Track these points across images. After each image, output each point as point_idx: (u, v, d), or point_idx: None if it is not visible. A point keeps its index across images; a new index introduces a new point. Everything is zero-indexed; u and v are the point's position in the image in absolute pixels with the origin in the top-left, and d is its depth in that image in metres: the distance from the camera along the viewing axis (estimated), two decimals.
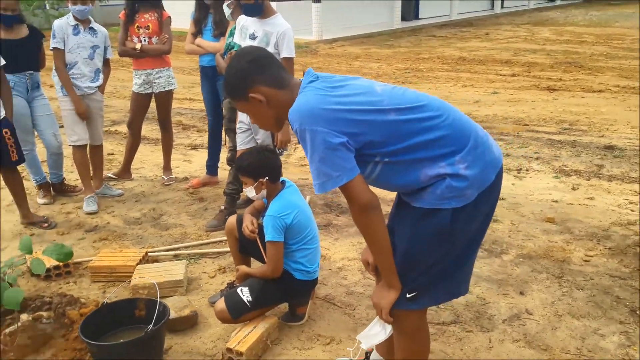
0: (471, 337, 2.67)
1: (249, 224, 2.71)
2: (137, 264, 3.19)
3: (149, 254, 3.43)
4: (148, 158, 5.48)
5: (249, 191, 2.65)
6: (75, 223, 4.02)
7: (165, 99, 4.64)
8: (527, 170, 4.93)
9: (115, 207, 4.30)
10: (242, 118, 3.57)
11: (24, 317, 2.77)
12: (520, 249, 3.51)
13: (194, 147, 5.84)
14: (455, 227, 1.73)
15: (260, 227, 2.71)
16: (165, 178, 4.81)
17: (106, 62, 4.34)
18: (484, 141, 1.77)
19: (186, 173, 5.04)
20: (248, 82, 1.73)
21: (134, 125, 4.71)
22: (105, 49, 4.27)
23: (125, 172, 4.90)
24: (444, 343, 2.63)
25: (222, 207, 3.91)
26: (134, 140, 4.79)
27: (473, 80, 9.19)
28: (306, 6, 15.05)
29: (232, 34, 3.71)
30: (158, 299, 2.48)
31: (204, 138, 5.59)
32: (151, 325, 2.34)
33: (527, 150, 5.48)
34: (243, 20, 3.47)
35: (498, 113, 7.03)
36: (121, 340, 2.41)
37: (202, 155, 5.12)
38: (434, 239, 1.76)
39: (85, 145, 4.28)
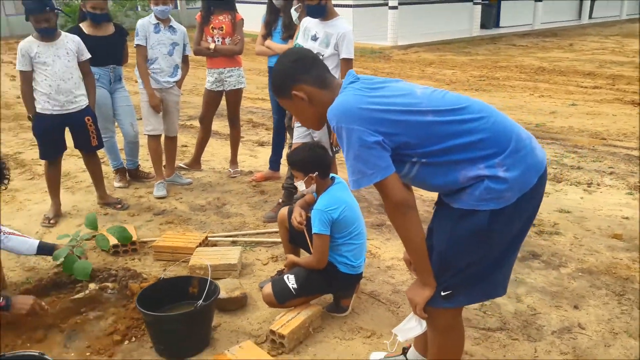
0: (516, 345, 2.61)
1: (297, 215, 2.82)
2: (197, 247, 3.39)
3: (209, 238, 3.62)
4: (218, 152, 5.76)
5: (300, 184, 2.75)
6: (145, 206, 4.32)
7: (235, 96, 4.86)
8: (598, 185, 4.69)
9: (183, 194, 4.57)
10: None
11: (92, 286, 3.05)
12: (581, 263, 3.37)
13: (261, 144, 6.06)
14: (493, 228, 1.73)
15: (309, 220, 2.80)
16: (232, 171, 5.04)
17: (185, 59, 4.60)
18: (526, 144, 1.75)
19: (251, 167, 5.26)
20: (292, 81, 1.81)
21: (206, 120, 4.98)
22: (184, 46, 4.53)
23: (195, 163, 5.19)
24: (487, 348, 2.58)
25: (280, 200, 4.06)
26: (205, 134, 5.05)
27: (551, 91, 8.82)
28: (382, 12, 15.09)
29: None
30: (209, 278, 2.63)
31: (270, 136, 5.79)
32: (201, 301, 2.49)
33: (600, 165, 5.20)
34: (307, 22, 3.60)
35: (574, 125, 6.71)
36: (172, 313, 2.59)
37: (268, 152, 5.30)
38: (471, 240, 1.77)
39: (159, 135, 4.58)
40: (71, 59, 3.79)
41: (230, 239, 3.72)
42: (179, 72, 4.54)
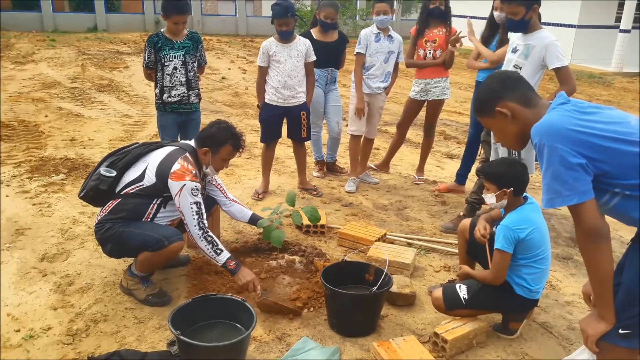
0: None
1: (481, 228, 2.85)
2: (376, 240, 3.65)
3: (388, 235, 3.87)
4: (406, 158, 5.99)
5: (489, 197, 2.77)
6: (336, 197, 4.75)
7: (436, 106, 4.99)
8: None
9: (369, 192, 4.90)
10: None
11: (285, 256, 3.51)
12: None
13: (450, 156, 6.12)
14: None
15: (492, 235, 2.83)
16: (417, 177, 5.22)
17: (395, 66, 4.87)
18: None
19: (436, 177, 5.37)
20: (497, 98, 1.90)
21: (403, 126, 5.22)
22: (398, 54, 4.82)
23: (384, 166, 5.49)
24: None
25: (461, 213, 4.10)
26: (399, 140, 5.31)
27: None
28: (610, 34, 13.72)
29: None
30: (386, 270, 2.85)
31: (461, 150, 5.82)
32: (375, 287, 2.73)
33: None
34: (513, 35, 3.63)
35: None
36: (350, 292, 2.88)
37: (455, 165, 5.36)
38: None
39: (360, 136, 4.96)
40: (299, 60, 4.36)
41: (407, 240, 3.90)
42: (389, 78, 4.85)
